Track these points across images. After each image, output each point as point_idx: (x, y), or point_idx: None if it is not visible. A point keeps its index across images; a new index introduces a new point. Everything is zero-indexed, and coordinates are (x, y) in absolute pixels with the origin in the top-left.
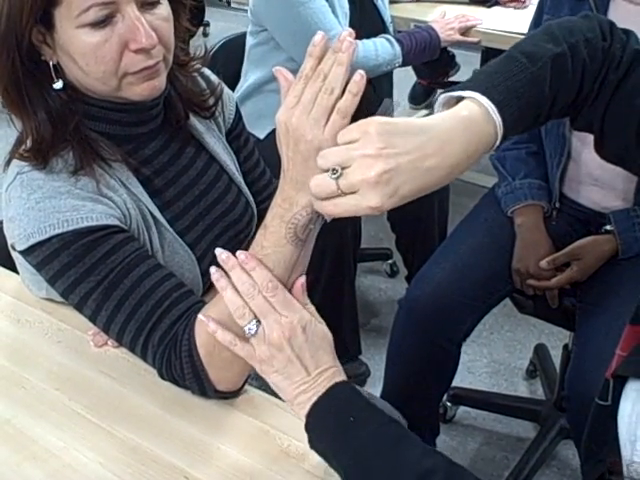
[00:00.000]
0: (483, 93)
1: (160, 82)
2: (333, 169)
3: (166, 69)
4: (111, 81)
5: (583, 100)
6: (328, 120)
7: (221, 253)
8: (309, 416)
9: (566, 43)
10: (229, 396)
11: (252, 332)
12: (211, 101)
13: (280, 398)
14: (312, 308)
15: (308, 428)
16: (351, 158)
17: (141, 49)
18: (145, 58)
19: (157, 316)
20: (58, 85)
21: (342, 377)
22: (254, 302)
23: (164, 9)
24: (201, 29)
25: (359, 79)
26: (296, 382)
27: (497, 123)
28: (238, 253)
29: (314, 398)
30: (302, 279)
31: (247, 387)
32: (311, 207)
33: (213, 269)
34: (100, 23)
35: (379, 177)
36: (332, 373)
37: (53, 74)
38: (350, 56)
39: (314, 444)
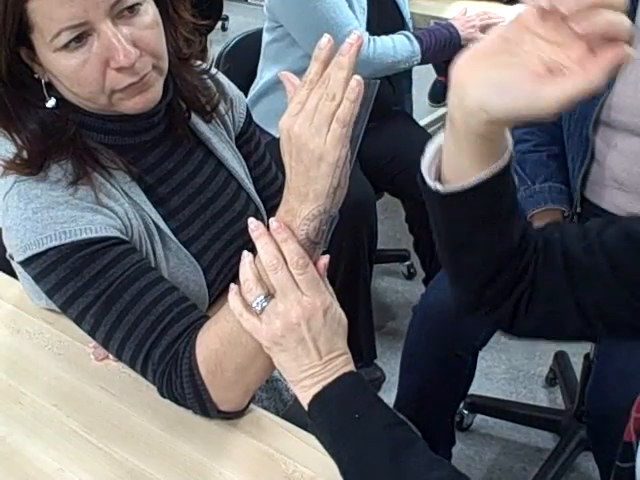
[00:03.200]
0: None
1: (154, 93)
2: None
3: (161, 76)
4: (100, 99)
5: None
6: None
7: (251, 222)
8: (312, 403)
9: None
10: (232, 416)
11: (258, 309)
12: (215, 101)
13: (288, 419)
14: (331, 289)
15: (310, 416)
16: None
17: (121, 67)
18: (129, 74)
19: (157, 332)
20: (51, 103)
21: (352, 366)
22: (277, 276)
23: (147, 15)
24: (220, 23)
25: (355, 85)
26: (305, 364)
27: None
28: (270, 220)
29: (322, 383)
30: (325, 259)
31: (252, 406)
32: (316, 211)
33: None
34: (75, 45)
35: None
36: (343, 360)
37: (45, 92)
38: (352, 59)
39: (314, 432)
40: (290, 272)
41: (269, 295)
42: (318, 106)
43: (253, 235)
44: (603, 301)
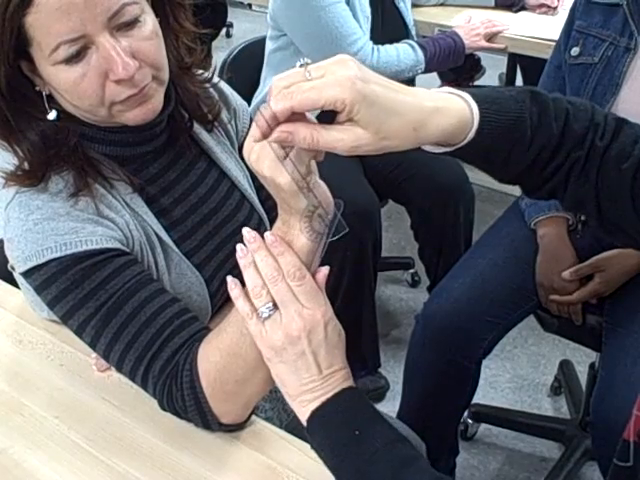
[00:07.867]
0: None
1: (154, 104)
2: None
3: (161, 87)
4: (100, 112)
5: (572, 164)
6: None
7: (248, 232)
8: (311, 419)
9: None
10: (234, 428)
11: (264, 315)
12: (217, 110)
13: (292, 430)
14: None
15: (309, 431)
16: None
17: (120, 80)
18: (129, 86)
19: (158, 345)
20: (52, 116)
21: (351, 382)
22: (276, 288)
23: (146, 26)
24: (224, 30)
25: None
26: (304, 378)
27: (474, 110)
28: (266, 234)
29: (321, 399)
30: (325, 270)
31: (254, 418)
32: (307, 212)
33: (239, 246)
34: (74, 58)
35: (354, 77)
36: (343, 375)
37: (46, 104)
38: None
39: (314, 448)
40: (289, 284)
41: (275, 304)
42: None
43: (250, 247)
44: (620, 218)
